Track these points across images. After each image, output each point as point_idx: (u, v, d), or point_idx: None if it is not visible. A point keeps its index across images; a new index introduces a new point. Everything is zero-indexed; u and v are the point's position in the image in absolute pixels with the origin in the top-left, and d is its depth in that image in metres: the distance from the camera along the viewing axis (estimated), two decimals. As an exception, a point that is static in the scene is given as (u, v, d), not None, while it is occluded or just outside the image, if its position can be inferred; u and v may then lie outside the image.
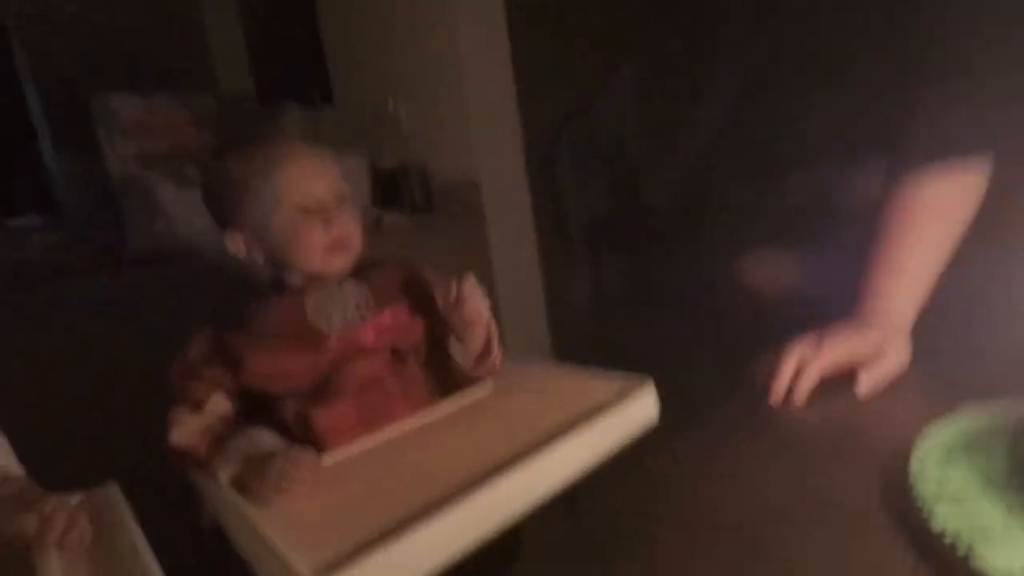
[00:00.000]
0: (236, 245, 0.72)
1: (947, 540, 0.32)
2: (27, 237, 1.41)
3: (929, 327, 0.61)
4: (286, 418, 0.66)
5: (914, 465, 0.39)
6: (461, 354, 0.73)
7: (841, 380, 0.57)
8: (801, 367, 0.57)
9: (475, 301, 0.69)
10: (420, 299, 0.75)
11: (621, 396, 0.67)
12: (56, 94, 1.53)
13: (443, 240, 1.56)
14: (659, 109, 2.38)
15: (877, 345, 0.57)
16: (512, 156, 1.72)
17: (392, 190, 1.62)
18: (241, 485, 0.58)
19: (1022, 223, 0.65)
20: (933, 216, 0.62)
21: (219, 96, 1.50)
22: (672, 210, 2.28)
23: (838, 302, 0.66)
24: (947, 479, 0.37)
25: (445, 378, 0.77)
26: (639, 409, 0.67)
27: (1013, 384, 0.48)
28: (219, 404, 0.66)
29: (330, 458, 0.62)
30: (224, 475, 0.59)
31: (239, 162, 0.69)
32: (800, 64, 0.97)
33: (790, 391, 0.56)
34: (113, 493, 0.60)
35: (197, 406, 0.65)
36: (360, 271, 0.74)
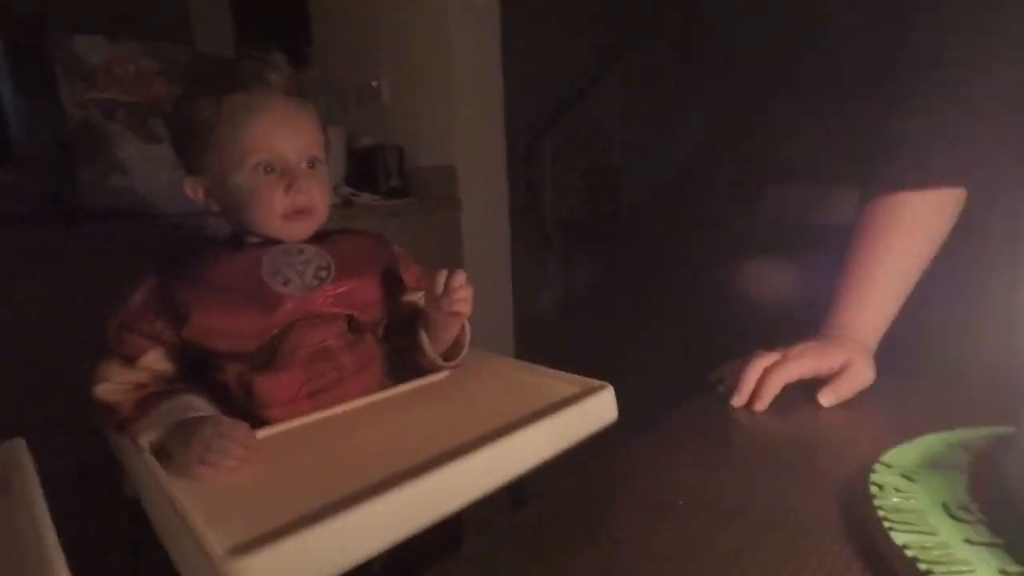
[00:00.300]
0: (195, 193, 0.67)
1: (909, 553, 0.31)
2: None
3: (899, 348, 0.61)
4: (226, 382, 0.61)
5: (875, 479, 0.38)
6: (429, 345, 0.70)
7: (806, 397, 0.56)
8: (765, 375, 0.55)
9: (464, 297, 0.65)
10: (387, 276, 0.72)
11: (580, 395, 0.65)
12: (18, 35, 1.44)
13: (415, 224, 1.52)
14: (644, 117, 2.39)
15: (842, 362, 0.56)
16: (493, 148, 1.69)
17: (366, 169, 1.58)
18: (164, 452, 0.54)
19: (993, 244, 0.65)
20: (904, 232, 0.60)
21: (195, 51, 1.44)
22: (648, 217, 2.28)
23: (808, 316, 0.65)
24: (908, 499, 0.36)
25: (401, 362, 0.74)
26: (597, 409, 0.65)
27: (977, 411, 0.47)
28: (154, 361, 0.61)
29: (267, 431, 0.58)
30: (146, 439, 0.54)
31: (209, 104, 0.63)
32: (785, 80, 0.96)
33: (753, 397, 0.55)
34: (18, 449, 0.55)
35: (130, 360, 0.60)
36: (326, 237, 0.70)
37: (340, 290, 0.66)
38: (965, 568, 0.30)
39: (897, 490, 0.37)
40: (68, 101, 1.18)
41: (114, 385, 0.59)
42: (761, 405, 0.54)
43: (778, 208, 1.18)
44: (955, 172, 0.61)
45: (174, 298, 0.60)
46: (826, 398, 0.54)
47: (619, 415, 0.66)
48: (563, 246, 2.39)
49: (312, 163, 0.66)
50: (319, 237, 0.69)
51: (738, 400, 0.55)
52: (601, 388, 0.67)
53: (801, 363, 0.56)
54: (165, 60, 1.23)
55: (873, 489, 0.37)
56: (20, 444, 0.56)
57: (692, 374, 0.70)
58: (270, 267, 0.63)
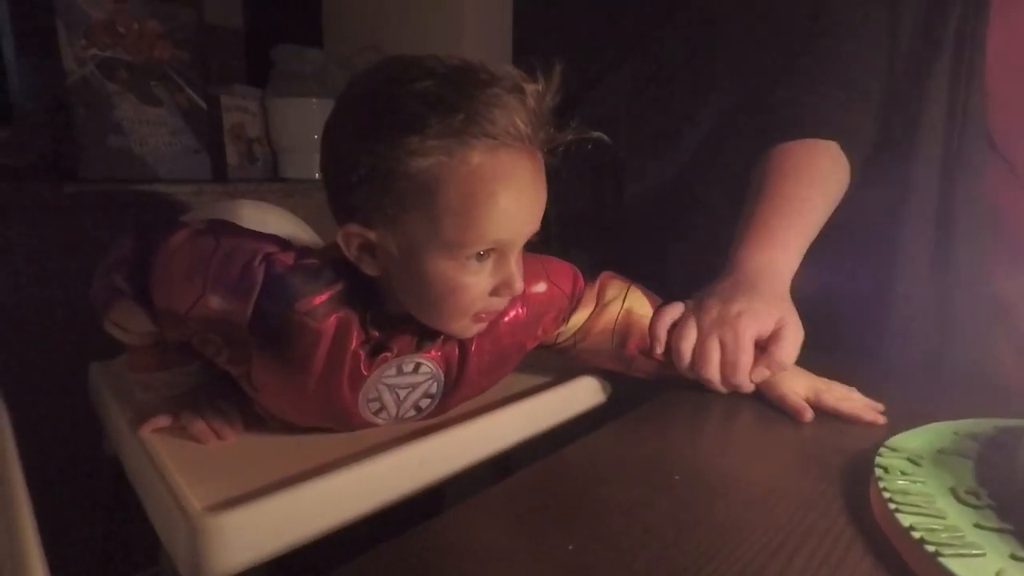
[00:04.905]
0: (350, 247, 0.44)
1: (916, 535, 0.29)
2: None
3: (903, 342, 0.60)
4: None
5: (880, 462, 0.37)
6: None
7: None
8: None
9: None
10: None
11: (570, 375, 0.64)
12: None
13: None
14: (651, 112, 2.38)
15: (776, 322, 0.52)
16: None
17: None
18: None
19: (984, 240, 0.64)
20: (804, 179, 0.62)
21: (201, 14, 1.41)
22: (651, 213, 2.27)
23: (815, 312, 0.64)
24: (915, 482, 0.35)
25: None
26: (587, 388, 0.64)
27: (982, 403, 0.46)
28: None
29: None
30: (145, 395, 0.53)
31: (436, 152, 0.39)
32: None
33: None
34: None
35: (155, 323, 0.49)
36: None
37: (436, 414, 0.55)
38: (976, 551, 0.28)
39: (903, 473, 0.36)
40: (68, 58, 1.16)
41: (127, 333, 0.52)
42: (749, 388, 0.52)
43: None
44: (829, 127, 0.65)
45: (249, 357, 0.47)
46: (758, 375, 0.51)
47: (615, 405, 0.65)
48: (563, 237, 2.38)
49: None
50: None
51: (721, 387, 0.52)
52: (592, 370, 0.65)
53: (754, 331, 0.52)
54: (170, 22, 1.20)
55: (878, 471, 0.36)
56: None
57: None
58: (370, 392, 0.49)
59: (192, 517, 0.39)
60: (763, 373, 0.51)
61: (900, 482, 0.35)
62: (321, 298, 0.45)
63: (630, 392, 0.65)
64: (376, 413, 0.50)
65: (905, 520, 0.31)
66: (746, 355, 0.51)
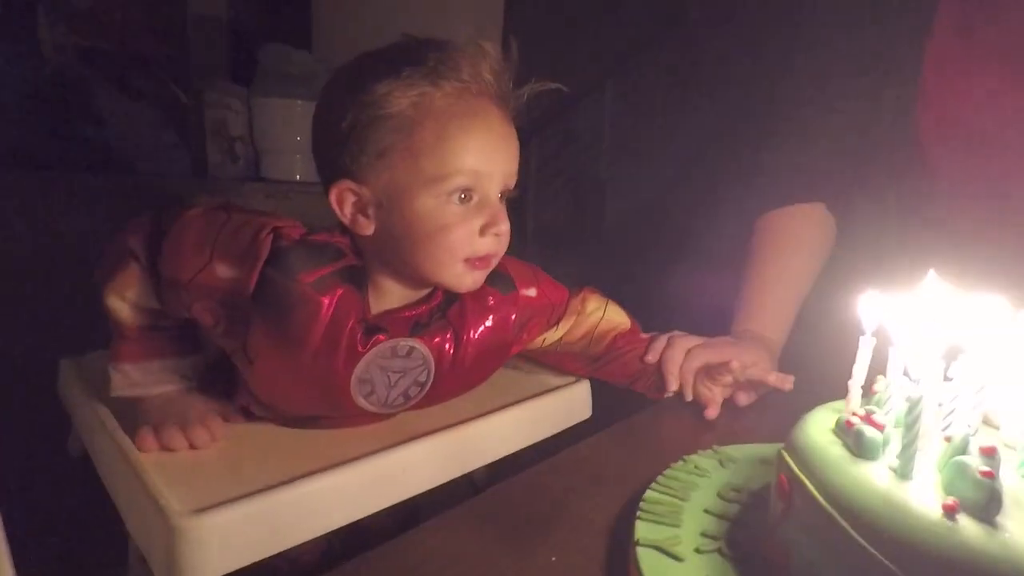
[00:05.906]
0: (341, 204, 0.48)
1: (643, 505, 0.35)
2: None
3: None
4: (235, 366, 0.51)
5: (690, 457, 0.42)
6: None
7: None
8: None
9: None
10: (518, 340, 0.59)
11: (554, 387, 0.65)
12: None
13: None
14: (634, 134, 2.42)
15: (763, 358, 0.61)
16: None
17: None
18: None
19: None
20: (793, 248, 0.72)
21: (185, 7, 1.39)
22: (630, 231, 2.31)
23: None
24: (700, 475, 0.39)
25: None
26: (571, 402, 0.65)
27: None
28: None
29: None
30: (120, 392, 0.51)
31: (408, 94, 0.45)
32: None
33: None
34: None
35: (157, 293, 0.50)
36: (468, 301, 0.53)
37: (422, 405, 0.55)
38: (673, 522, 0.33)
39: (697, 467, 0.40)
40: (47, 45, 1.14)
41: (125, 306, 0.50)
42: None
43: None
44: (814, 193, 0.73)
45: (248, 327, 0.48)
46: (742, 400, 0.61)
47: (594, 419, 0.66)
48: (543, 251, 2.40)
49: (505, 194, 0.51)
50: (450, 309, 0.53)
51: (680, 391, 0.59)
52: (576, 381, 0.66)
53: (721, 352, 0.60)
54: (153, 13, 1.19)
55: (679, 462, 0.41)
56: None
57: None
58: (363, 372, 0.50)
59: (171, 518, 0.39)
60: (704, 355, 0.59)
61: (681, 473, 0.39)
62: (323, 272, 0.47)
63: (611, 406, 0.67)
64: (367, 397, 0.51)
65: (646, 495, 0.36)
66: (707, 348, 0.59)
